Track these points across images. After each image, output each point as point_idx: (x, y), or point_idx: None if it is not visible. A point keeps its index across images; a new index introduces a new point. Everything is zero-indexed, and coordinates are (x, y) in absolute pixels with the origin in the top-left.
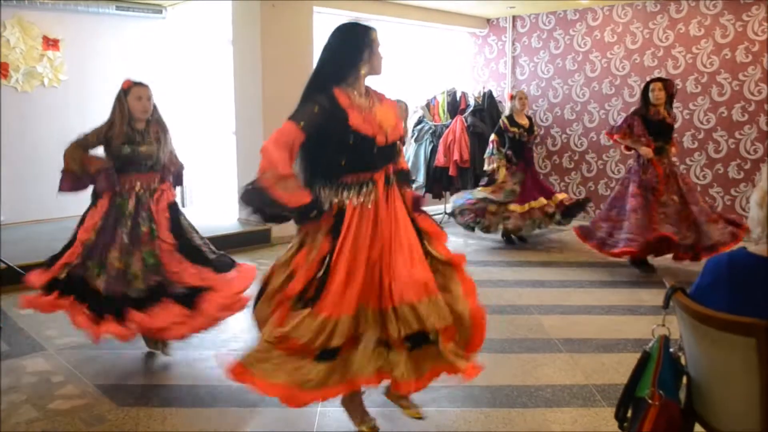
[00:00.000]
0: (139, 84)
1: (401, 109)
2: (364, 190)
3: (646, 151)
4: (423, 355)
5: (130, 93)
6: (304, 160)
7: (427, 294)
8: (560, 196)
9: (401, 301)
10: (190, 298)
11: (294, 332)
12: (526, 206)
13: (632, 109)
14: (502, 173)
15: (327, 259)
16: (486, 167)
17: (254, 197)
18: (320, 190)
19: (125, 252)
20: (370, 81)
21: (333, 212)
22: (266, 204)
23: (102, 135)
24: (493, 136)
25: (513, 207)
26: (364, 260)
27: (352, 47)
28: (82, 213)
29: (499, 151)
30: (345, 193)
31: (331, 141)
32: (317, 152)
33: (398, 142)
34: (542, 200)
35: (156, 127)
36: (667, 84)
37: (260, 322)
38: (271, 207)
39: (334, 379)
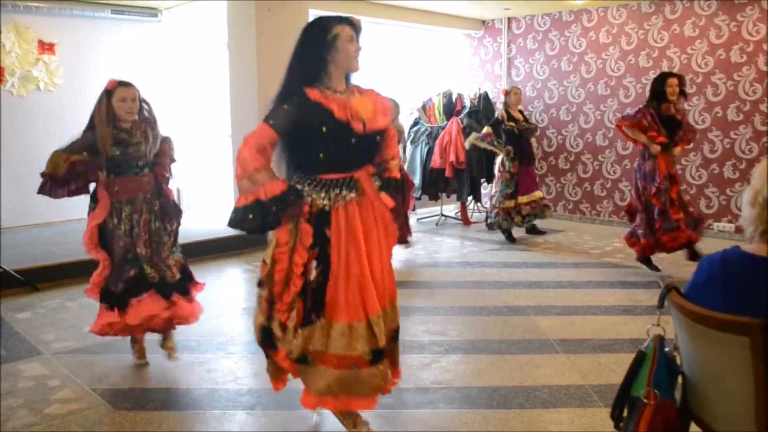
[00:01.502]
0: (125, 84)
1: (390, 106)
2: (347, 189)
3: (655, 149)
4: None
5: (114, 94)
6: (282, 159)
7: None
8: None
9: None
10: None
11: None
12: (512, 202)
13: (642, 103)
14: (507, 164)
15: (318, 262)
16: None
17: (245, 216)
18: (300, 185)
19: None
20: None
21: (312, 210)
22: (257, 216)
23: (89, 139)
24: (487, 129)
25: (520, 199)
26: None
27: (314, 46)
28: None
29: (499, 141)
30: (324, 193)
31: (305, 135)
32: (293, 149)
33: (386, 140)
34: (538, 193)
35: (143, 125)
36: (681, 80)
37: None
38: (260, 213)
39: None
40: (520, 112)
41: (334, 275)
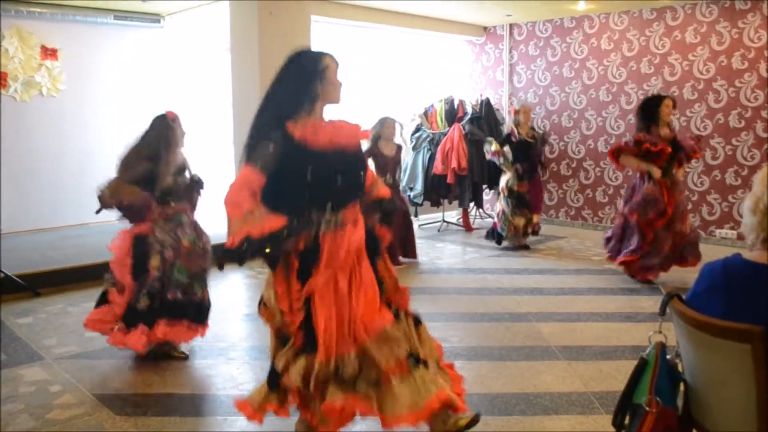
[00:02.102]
0: (178, 115)
1: (389, 125)
2: (333, 224)
3: (657, 173)
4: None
5: (177, 123)
6: (268, 200)
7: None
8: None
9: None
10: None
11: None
12: (522, 220)
13: (632, 130)
14: (513, 182)
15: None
16: (487, 149)
17: (239, 254)
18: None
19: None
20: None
21: (301, 244)
22: (249, 250)
23: (148, 171)
24: (495, 147)
25: (516, 221)
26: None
27: (302, 78)
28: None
29: (506, 159)
30: (314, 226)
31: (292, 178)
32: (280, 189)
33: (365, 174)
34: (537, 216)
35: (183, 156)
36: (674, 101)
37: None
38: (254, 247)
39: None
40: (532, 128)
41: (320, 311)
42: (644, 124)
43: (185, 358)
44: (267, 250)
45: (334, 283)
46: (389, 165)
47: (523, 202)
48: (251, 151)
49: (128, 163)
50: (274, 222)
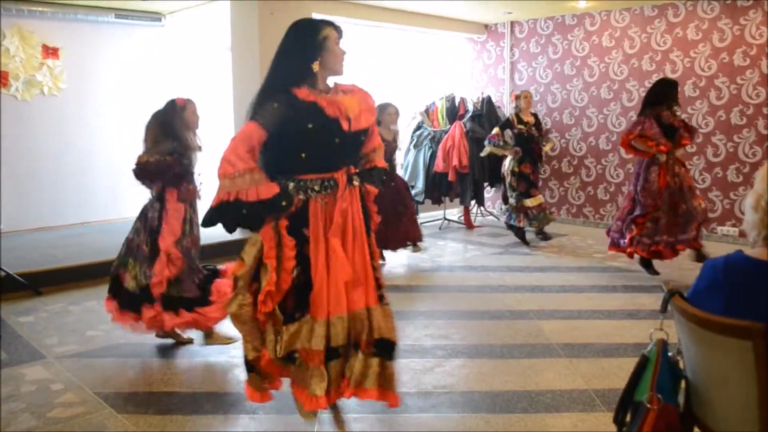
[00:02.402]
0: (190, 100)
1: (390, 112)
2: (325, 189)
3: (663, 157)
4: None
5: (187, 108)
6: (266, 157)
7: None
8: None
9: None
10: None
11: (307, 342)
12: (539, 199)
13: (642, 111)
14: (513, 164)
15: (298, 260)
16: (484, 153)
17: (222, 213)
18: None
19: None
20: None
21: (293, 208)
22: (238, 213)
23: (169, 148)
24: (496, 130)
25: (534, 201)
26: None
27: (301, 47)
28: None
29: (506, 142)
30: (304, 191)
31: (290, 134)
32: (278, 148)
33: (369, 136)
34: (540, 198)
35: (198, 139)
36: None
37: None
38: (243, 211)
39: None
40: (534, 115)
41: (316, 273)
42: (654, 107)
43: (189, 342)
44: (262, 212)
45: (327, 247)
46: (388, 150)
47: (530, 182)
48: (255, 109)
49: (156, 138)
50: (268, 189)
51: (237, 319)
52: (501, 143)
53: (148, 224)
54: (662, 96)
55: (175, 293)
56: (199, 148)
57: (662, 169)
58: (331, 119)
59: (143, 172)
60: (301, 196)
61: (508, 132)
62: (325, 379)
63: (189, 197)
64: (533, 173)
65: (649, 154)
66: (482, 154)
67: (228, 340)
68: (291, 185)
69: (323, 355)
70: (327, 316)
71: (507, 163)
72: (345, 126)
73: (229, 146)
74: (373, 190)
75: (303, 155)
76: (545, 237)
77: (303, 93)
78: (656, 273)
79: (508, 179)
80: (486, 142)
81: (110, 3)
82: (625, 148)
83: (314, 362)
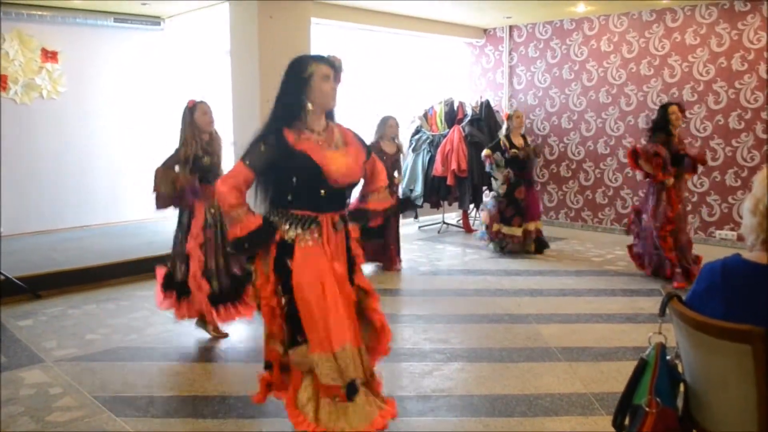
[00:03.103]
0: (201, 102)
1: (391, 125)
2: (311, 225)
3: (670, 181)
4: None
5: (197, 110)
6: (262, 194)
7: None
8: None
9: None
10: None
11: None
12: (520, 230)
13: (647, 136)
14: (503, 187)
15: (283, 291)
16: (497, 191)
17: (236, 246)
18: (271, 215)
19: (218, 253)
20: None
21: (277, 240)
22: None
23: (181, 153)
24: (486, 152)
25: (511, 231)
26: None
27: (290, 85)
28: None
29: (498, 165)
30: (291, 225)
31: (277, 176)
32: (265, 185)
33: (370, 176)
34: (539, 223)
35: (218, 139)
36: (680, 106)
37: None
38: (245, 245)
39: None
40: (523, 137)
41: (306, 303)
42: (659, 137)
43: (225, 336)
44: (246, 246)
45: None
46: (389, 163)
47: (519, 209)
48: (246, 150)
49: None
50: (253, 221)
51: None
52: (493, 166)
53: (182, 227)
54: (664, 121)
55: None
56: (205, 151)
57: (672, 191)
58: (318, 172)
59: (158, 203)
60: (287, 228)
61: (498, 154)
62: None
63: (211, 196)
64: (529, 196)
65: (654, 180)
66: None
67: (221, 334)
68: (276, 218)
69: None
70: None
71: (498, 182)
72: (334, 179)
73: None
74: (355, 232)
75: (289, 197)
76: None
77: (293, 137)
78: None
79: (497, 199)
80: (488, 167)
81: (109, 6)
82: (631, 165)
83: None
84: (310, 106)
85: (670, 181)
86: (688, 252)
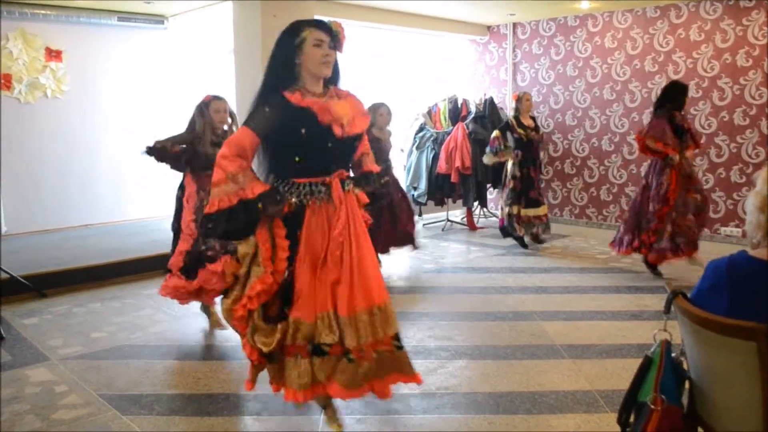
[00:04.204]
0: (217, 98)
1: (382, 113)
2: (318, 192)
3: (676, 158)
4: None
5: (211, 106)
6: (263, 161)
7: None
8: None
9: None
10: None
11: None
12: (531, 212)
13: (656, 111)
14: (511, 167)
15: (288, 262)
16: (488, 161)
17: (227, 219)
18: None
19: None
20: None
21: (286, 211)
22: (241, 216)
23: (184, 139)
24: (496, 133)
25: (537, 211)
26: (318, 262)
27: (283, 50)
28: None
29: (506, 146)
30: (296, 195)
31: (283, 138)
32: (272, 152)
33: (361, 142)
34: (544, 208)
35: (223, 133)
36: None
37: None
38: (244, 213)
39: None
40: (532, 118)
41: (301, 274)
42: (665, 109)
43: (223, 328)
44: (260, 207)
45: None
46: (382, 149)
47: (531, 184)
48: (250, 114)
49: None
50: (261, 185)
51: (230, 316)
52: (501, 147)
53: (176, 208)
54: (673, 97)
55: (189, 262)
56: (210, 143)
57: (674, 172)
58: (324, 125)
59: (149, 150)
60: (294, 200)
61: (509, 134)
62: (309, 374)
63: (206, 185)
64: (535, 177)
65: (661, 156)
66: (485, 161)
67: (220, 326)
68: (285, 187)
69: (306, 350)
70: (314, 316)
71: (509, 168)
72: (338, 132)
73: (222, 150)
74: (363, 197)
75: (297, 159)
76: (539, 241)
77: (295, 98)
78: (660, 274)
79: (510, 185)
80: (487, 150)
81: (113, 5)
82: (641, 150)
83: (293, 355)
84: (302, 71)
85: (676, 158)
86: (688, 233)
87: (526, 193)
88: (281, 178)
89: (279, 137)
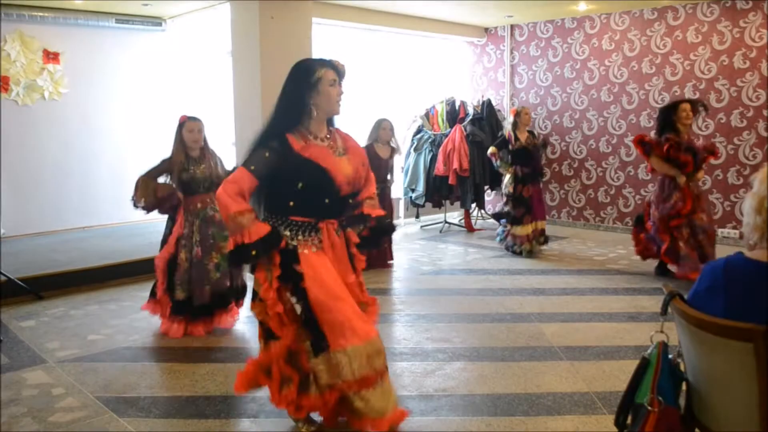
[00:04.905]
0: (192, 119)
1: (385, 127)
2: (311, 233)
3: (682, 179)
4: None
5: (185, 126)
6: (259, 201)
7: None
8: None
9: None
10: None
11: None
12: (530, 227)
13: (634, 129)
14: (510, 182)
15: (297, 297)
16: (502, 171)
17: (240, 254)
18: (269, 222)
19: (196, 262)
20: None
21: (282, 247)
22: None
23: (166, 165)
24: (492, 150)
25: (519, 231)
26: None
27: (296, 90)
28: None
29: (503, 161)
30: (291, 232)
31: (280, 183)
32: (268, 193)
33: (363, 186)
34: (543, 223)
35: (209, 154)
36: (693, 104)
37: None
38: (252, 252)
39: None
40: (530, 132)
41: (321, 304)
42: (666, 130)
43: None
44: (254, 253)
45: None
46: (382, 167)
47: (528, 208)
48: (249, 155)
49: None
50: (262, 228)
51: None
52: (498, 163)
53: (165, 235)
54: (668, 123)
55: (183, 297)
56: (200, 161)
57: (684, 191)
58: (327, 180)
59: (136, 207)
60: (288, 234)
61: (504, 151)
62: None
63: (194, 209)
64: (535, 194)
65: (669, 176)
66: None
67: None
68: (281, 226)
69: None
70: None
71: (506, 181)
72: (340, 187)
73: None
74: (354, 237)
75: (291, 203)
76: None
77: (299, 145)
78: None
79: (505, 200)
80: (495, 165)
81: (111, 8)
82: (637, 146)
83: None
84: (315, 112)
85: (682, 179)
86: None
87: (530, 209)
88: (274, 214)
89: (277, 183)
